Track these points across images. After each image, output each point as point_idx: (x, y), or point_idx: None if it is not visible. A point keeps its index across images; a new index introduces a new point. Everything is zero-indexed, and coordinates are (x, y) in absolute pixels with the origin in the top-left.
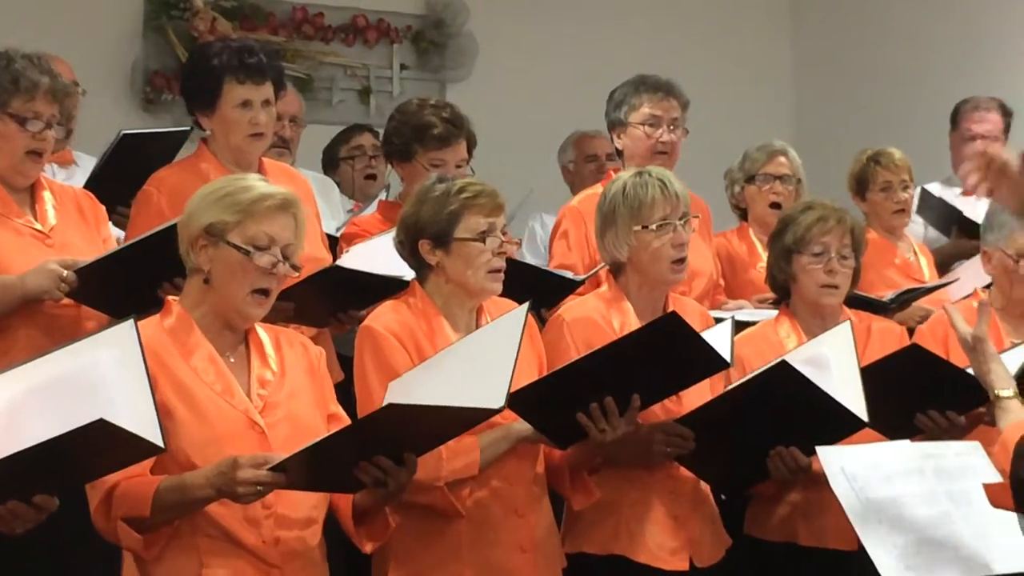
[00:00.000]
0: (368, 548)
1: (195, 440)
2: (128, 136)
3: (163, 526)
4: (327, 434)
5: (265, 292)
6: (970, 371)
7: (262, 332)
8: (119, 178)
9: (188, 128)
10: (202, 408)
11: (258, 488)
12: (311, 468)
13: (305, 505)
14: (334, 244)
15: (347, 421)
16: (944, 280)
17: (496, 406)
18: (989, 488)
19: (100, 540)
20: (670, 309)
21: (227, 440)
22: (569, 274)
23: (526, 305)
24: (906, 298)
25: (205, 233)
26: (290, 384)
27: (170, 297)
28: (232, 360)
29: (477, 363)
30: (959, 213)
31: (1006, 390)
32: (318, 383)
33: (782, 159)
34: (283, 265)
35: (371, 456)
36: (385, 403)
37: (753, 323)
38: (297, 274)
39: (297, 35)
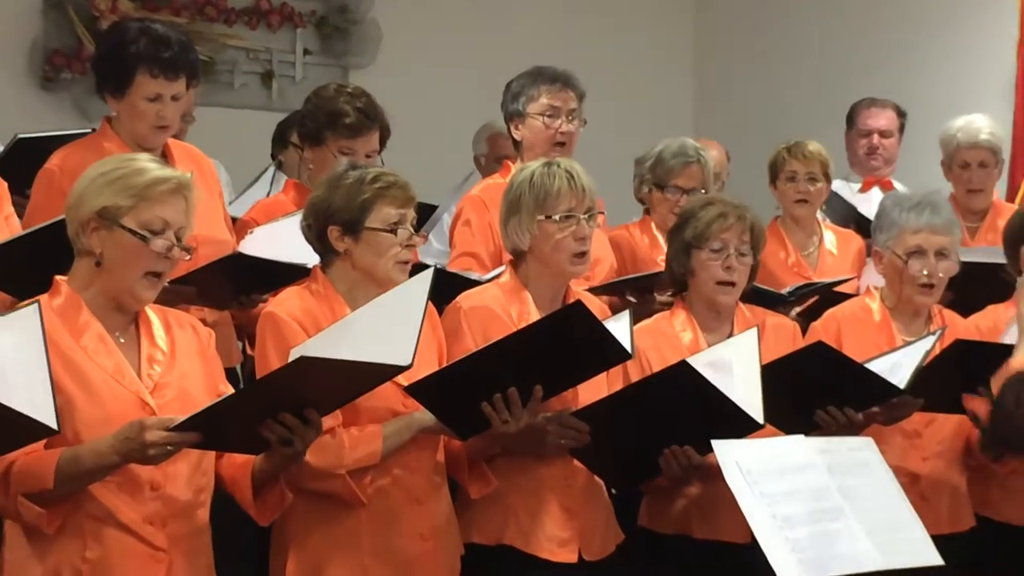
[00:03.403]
0: (264, 521)
1: (86, 419)
2: (23, 140)
3: (64, 499)
4: (235, 391)
5: (158, 275)
6: (871, 368)
7: (152, 313)
8: (15, 178)
9: (89, 131)
10: (94, 387)
11: (167, 448)
12: (218, 426)
13: (192, 488)
14: None
15: None
16: (840, 277)
17: (404, 363)
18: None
19: None
20: (571, 300)
21: (118, 420)
22: (473, 275)
23: (431, 269)
24: (804, 292)
25: (97, 216)
26: (181, 364)
27: (58, 277)
28: (122, 340)
29: (385, 322)
30: (856, 211)
31: None
32: (208, 363)
33: (695, 168)
34: (176, 249)
35: (276, 414)
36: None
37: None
38: (189, 257)
39: (199, 17)
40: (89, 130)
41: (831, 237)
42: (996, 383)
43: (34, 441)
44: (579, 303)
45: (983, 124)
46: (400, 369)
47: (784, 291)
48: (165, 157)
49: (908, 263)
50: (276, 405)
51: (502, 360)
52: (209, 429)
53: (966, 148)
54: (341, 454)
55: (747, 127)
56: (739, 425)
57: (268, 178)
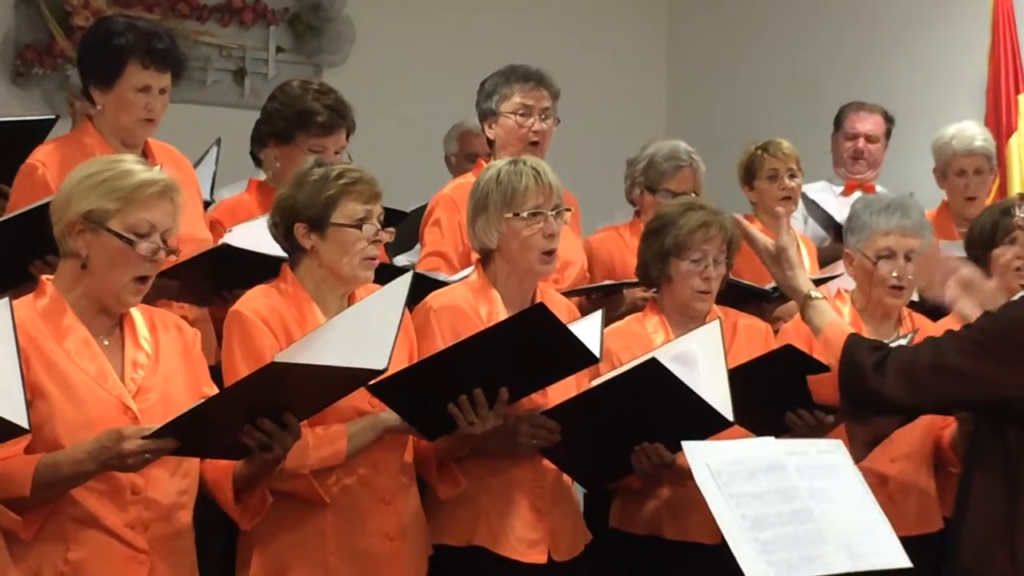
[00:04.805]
0: (246, 524)
1: (68, 423)
2: None
3: (41, 505)
4: (210, 396)
5: (144, 279)
6: None
7: (136, 314)
8: None
9: (53, 117)
10: (76, 391)
11: (146, 456)
12: (196, 433)
13: (174, 490)
14: None
15: None
16: (826, 274)
17: (379, 367)
18: (813, 383)
19: None
20: (538, 300)
21: (100, 424)
22: (443, 276)
23: (409, 274)
24: None
25: (83, 219)
26: (164, 367)
27: (44, 277)
28: (106, 343)
29: (361, 327)
30: (834, 219)
31: (815, 291)
32: (192, 365)
33: (686, 173)
34: (162, 252)
35: (254, 420)
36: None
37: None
38: (175, 258)
39: (172, 13)
40: (51, 117)
41: (801, 242)
42: (826, 351)
43: (4, 440)
44: (541, 306)
45: (976, 131)
46: (375, 373)
47: (768, 287)
48: (145, 156)
49: (878, 265)
50: (254, 410)
51: (465, 361)
52: (187, 435)
53: (962, 155)
54: (305, 454)
55: (719, 129)
56: (709, 422)
57: (212, 158)
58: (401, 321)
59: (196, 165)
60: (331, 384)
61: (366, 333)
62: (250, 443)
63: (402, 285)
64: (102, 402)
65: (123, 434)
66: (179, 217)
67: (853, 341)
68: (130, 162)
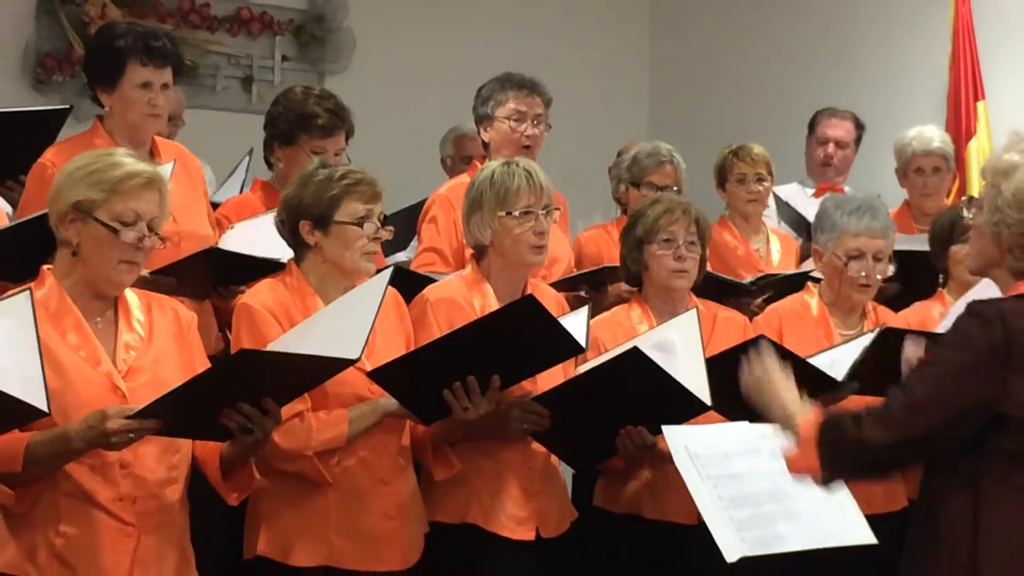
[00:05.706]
0: (233, 500)
1: (59, 403)
2: None
3: (34, 481)
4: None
5: (133, 262)
6: (811, 360)
7: (132, 297)
8: None
9: (67, 107)
10: (67, 373)
11: (129, 435)
12: (177, 413)
13: (163, 465)
14: None
15: None
16: (801, 269)
17: (352, 356)
18: (789, 462)
19: None
20: (528, 293)
21: (90, 404)
22: (440, 276)
23: (389, 269)
24: (765, 282)
25: (73, 209)
26: (156, 349)
27: (45, 267)
28: (100, 325)
29: (341, 319)
30: (806, 220)
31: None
32: (186, 348)
33: (668, 168)
34: (149, 239)
35: (234, 403)
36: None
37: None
38: (163, 246)
39: (184, 23)
40: (51, 108)
41: (775, 238)
42: (803, 442)
43: (25, 424)
44: (530, 297)
45: (935, 133)
46: (348, 362)
47: (746, 280)
48: (153, 155)
49: (848, 265)
50: (233, 395)
51: (459, 349)
52: (169, 416)
53: (921, 155)
54: (309, 436)
55: (700, 133)
56: (688, 406)
57: (243, 168)
58: (378, 313)
59: (231, 174)
60: (307, 371)
61: (344, 325)
62: (231, 425)
63: (381, 281)
64: (92, 382)
65: (107, 414)
66: (168, 206)
67: (831, 412)
68: (119, 155)
